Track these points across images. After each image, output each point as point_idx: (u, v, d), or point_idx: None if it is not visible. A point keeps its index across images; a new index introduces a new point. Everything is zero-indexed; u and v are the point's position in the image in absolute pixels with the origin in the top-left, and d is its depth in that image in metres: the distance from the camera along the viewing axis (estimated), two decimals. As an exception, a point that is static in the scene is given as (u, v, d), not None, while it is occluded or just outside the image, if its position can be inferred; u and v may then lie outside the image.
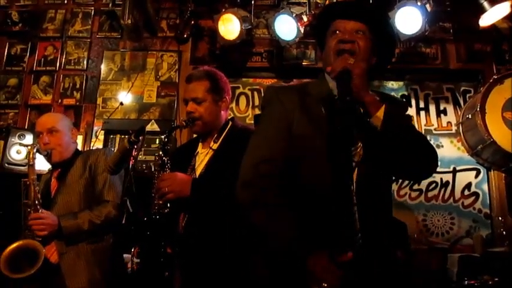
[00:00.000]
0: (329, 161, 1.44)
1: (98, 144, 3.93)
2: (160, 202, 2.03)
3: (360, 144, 1.53)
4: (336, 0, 3.67)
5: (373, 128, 1.46)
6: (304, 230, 1.43)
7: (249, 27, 3.85)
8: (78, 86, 4.17)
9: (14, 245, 2.35)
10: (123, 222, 2.06)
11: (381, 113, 1.44)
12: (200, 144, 2.31)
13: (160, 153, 2.13)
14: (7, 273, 2.27)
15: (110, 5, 4.01)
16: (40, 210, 2.43)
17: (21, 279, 2.27)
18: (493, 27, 3.63)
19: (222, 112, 2.30)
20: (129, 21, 3.69)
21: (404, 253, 2.83)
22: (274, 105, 1.63)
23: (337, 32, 1.61)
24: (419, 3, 3.41)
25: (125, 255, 2.55)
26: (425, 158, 1.54)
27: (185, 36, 4.15)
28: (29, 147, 2.58)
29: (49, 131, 2.63)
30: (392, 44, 1.74)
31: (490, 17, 3.45)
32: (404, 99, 4.01)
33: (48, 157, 2.61)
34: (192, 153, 2.29)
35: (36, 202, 2.45)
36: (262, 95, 4.12)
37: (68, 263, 2.40)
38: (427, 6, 3.47)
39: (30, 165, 2.52)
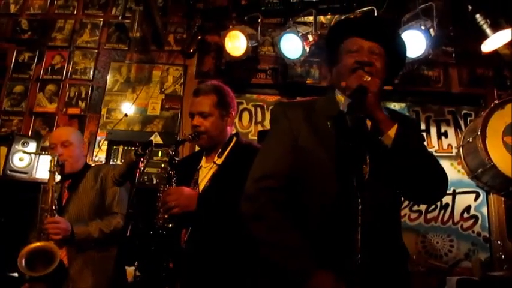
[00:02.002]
0: (338, 178, 1.45)
1: (100, 154, 3.96)
2: (166, 216, 2.03)
3: (367, 162, 1.52)
4: (350, 16, 3.71)
5: (383, 146, 1.45)
6: (301, 241, 1.44)
7: (255, 44, 3.91)
8: (83, 95, 4.21)
9: (33, 245, 2.42)
10: (128, 234, 2.06)
11: (392, 132, 1.44)
12: (204, 158, 2.31)
13: (167, 166, 2.14)
14: (24, 270, 2.34)
15: (120, 17, 4.06)
16: (56, 215, 2.52)
17: (33, 277, 2.35)
18: (495, 53, 3.68)
19: (228, 127, 2.32)
20: (138, 34, 3.75)
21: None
22: (281, 121, 1.65)
23: (355, 51, 1.60)
24: (423, 28, 3.46)
25: (127, 267, 2.57)
26: (434, 181, 1.51)
27: (191, 50, 4.22)
28: (53, 155, 2.67)
29: (62, 144, 2.75)
30: (403, 65, 1.74)
31: (492, 43, 3.49)
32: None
33: (61, 168, 2.69)
34: (194, 167, 2.29)
35: (53, 207, 2.54)
36: (266, 111, 4.17)
37: (76, 269, 2.49)
38: (431, 30, 3.52)
39: (52, 172, 2.61)
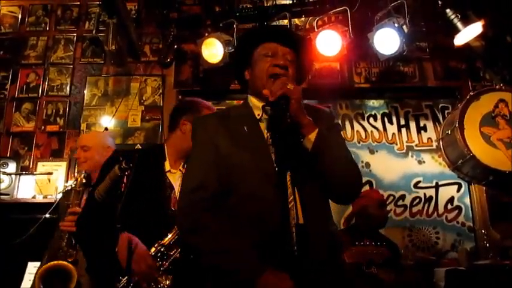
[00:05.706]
0: (264, 179, 1.50)
1: (82, 170, 3.90)
2: None
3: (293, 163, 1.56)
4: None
5: (304, 148, 1.51)
6: (243, 244, 1.46)
7: (232, 50, 3.91)
8: (61, 112, 4.15)
9: (50, 264, 2.36)
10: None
11: (313, 136, 1.50)
12: (167, 163, 2.22)
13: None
14: None
15: (94, 31, 4.03)
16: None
17: None
18: (467, 46, 3.75)
19: None
20: (113, 47, 3.71)
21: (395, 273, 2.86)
22: (200, 134, 1.70)
23: (270, 55, 1.65)
24: (396, 25, 3.52)
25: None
26: (350, 181, 1.60)
27: (168, 60, 4.20)
28: (79, 174, 2.67)
29: (82, 148, 2.77)
30: (308, 72, 1.84)
31: (463, 37, 3.57)
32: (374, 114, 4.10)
33: (87, 178, 2.63)
34: (160, 170, 2.21)
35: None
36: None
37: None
38: (404, 27, 3.58)
39: (77, 191, 2.56)
